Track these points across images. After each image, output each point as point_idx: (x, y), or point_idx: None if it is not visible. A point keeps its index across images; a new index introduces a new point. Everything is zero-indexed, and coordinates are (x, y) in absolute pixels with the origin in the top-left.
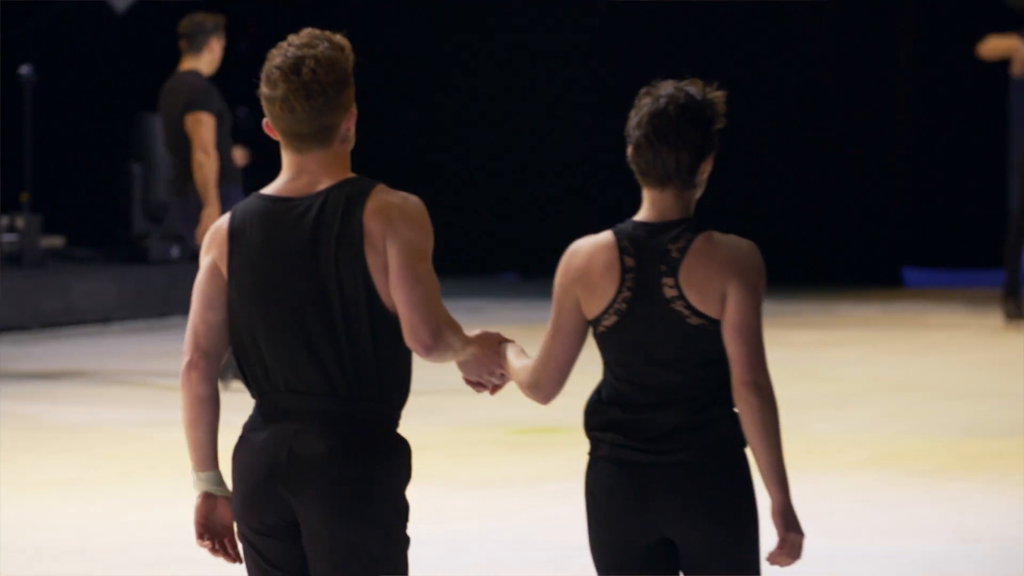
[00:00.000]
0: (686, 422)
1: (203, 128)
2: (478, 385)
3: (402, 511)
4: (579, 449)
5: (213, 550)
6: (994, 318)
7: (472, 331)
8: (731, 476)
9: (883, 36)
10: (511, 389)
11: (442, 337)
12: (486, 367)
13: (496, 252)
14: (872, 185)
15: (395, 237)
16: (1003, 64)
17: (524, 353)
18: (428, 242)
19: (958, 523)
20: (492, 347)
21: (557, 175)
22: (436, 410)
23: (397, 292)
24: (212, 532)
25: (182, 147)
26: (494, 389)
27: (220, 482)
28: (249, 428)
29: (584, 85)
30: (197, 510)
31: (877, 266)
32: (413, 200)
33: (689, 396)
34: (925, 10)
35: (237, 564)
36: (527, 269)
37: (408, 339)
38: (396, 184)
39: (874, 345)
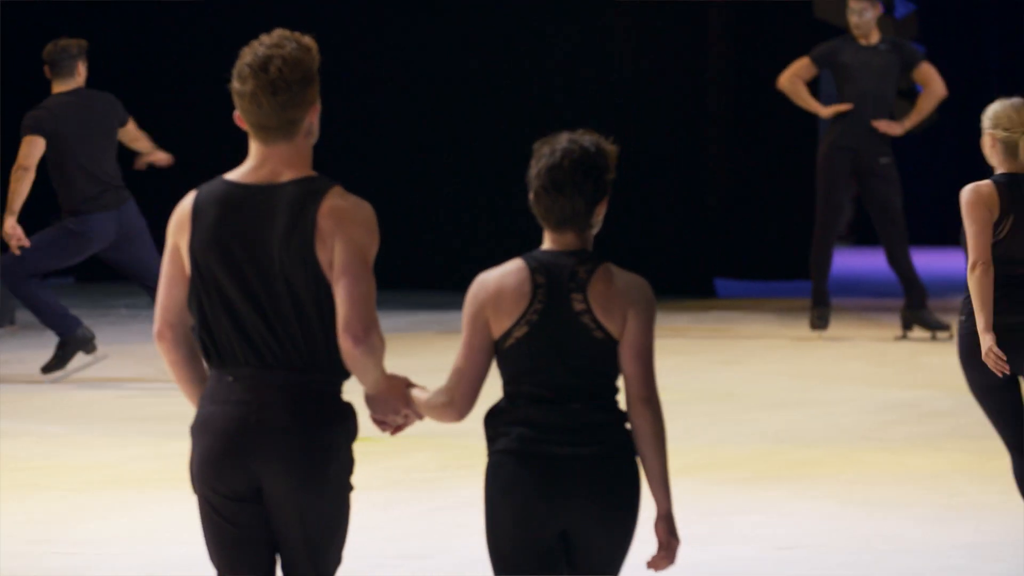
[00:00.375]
0: (597, 419)
1: (24, 147)
2: (382, 424)
3: (350, 466)
4: (398, 460)
5: None
6: (804, 328)
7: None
8: (635, 474)
9: (695, 49)
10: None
11: (371, 335)
12: (391, 406)
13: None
14: (684, 197)
15: (343, 236)
16: (811, 83)
17: (427, 390)
18: (373, 246)
19: (772, 531)
20: (399, 388)
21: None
22: None
23: (338, 286)
24: None
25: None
26: (396, 429)
27: None
28: (210, 400)
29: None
30: None
31: (689, 277)
32: (365, 205)
33: (599, 396)
34: (735, 24)
35: None
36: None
37: (340, 331)
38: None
39: (688, 355)
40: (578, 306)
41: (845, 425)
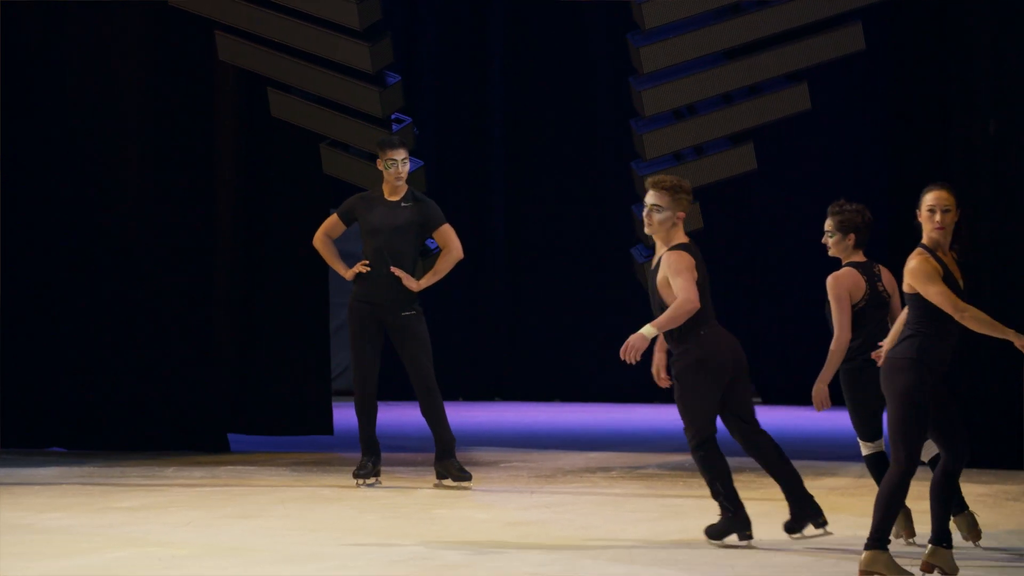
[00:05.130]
0: None
1: None
2: None
3: None
4: None
5: None
6: (320, 481)
7: None
8: None
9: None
10: None
11: None
12: None
13: None
14: (196, 352)
15: None
16: None
17: None
18: None
19: None
20: None
21: None
22: None
23: None
24: None
25: None
26: None
27: None
28: None
29: None
30: None
31: (203, 432)
32: None
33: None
34: None
35: None
36: None
37: None
38: None
39: (204, 508)
40: None
41: None
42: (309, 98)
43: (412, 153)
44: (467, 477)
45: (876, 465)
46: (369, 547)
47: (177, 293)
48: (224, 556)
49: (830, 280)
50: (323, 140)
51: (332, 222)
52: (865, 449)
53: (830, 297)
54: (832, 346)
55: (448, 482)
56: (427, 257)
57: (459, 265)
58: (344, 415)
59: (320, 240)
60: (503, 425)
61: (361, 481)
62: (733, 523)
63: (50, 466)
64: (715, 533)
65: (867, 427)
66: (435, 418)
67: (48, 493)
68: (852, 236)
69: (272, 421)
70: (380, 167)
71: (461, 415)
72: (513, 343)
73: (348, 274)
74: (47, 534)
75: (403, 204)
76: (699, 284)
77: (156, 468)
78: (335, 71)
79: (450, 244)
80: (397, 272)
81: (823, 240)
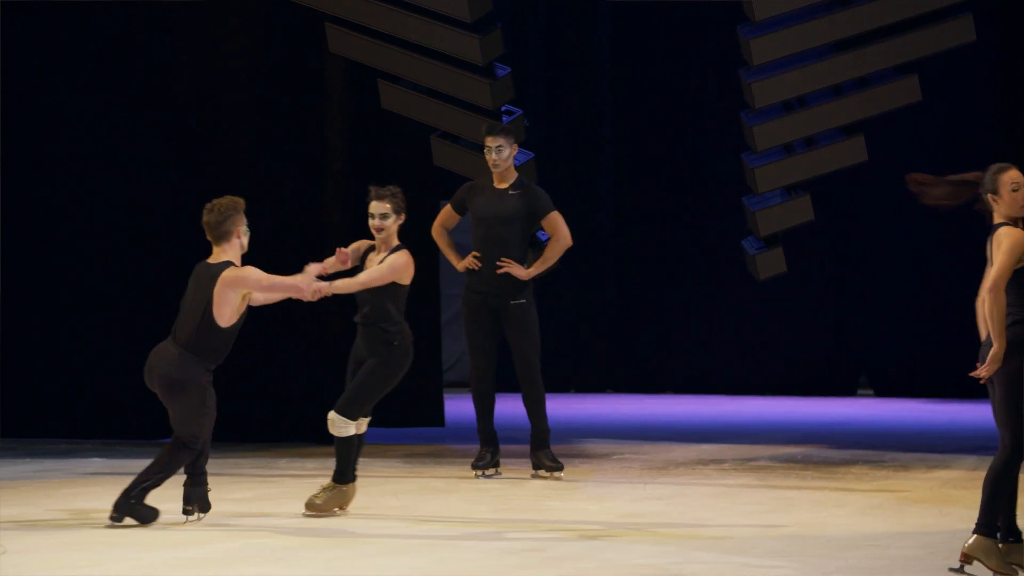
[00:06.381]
0: None
1: None
2: None
3: None
4: None
5: None
6: (432, 473)
7: None
8: None
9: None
10: None
11: None
12: None
13: None
14: (308, 346)
15: None
16: None
17: None
18: None
19: None
20: None
21: None
22: None
23: None
24: None
25: None
26: None
27: None
28: None
29: None
30: None
31: (315, 424)
32: None
33: None
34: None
35: None
36: None
37: None
38: None
39: None
40: None
41: (473, 570)
42: (419, 90)
43: (523, 145)
44: (559, 467)
45: None
46: (480, 539)
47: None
48: (335, 547)
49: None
50: (433, 132)
51: (447, 213)
52: None
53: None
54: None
55: (542, 472)
56: (537, 248)
57: (570, 256)
58: (455, 407)
59: (437, 231)
60: (615, 417)
61: (480, 472)
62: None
63: None
64: None
65: None
66: (534, 408)
67: (165, 483)
68: None
69: (384, 412)
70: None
71: (572, 407)
72: (625, 335)
73: (459, 266)
74: (159, 524)
75: (511, 192)
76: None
77: (269, 459)
78: (445, 63)
79: (559, 231)
80: (504, 261)
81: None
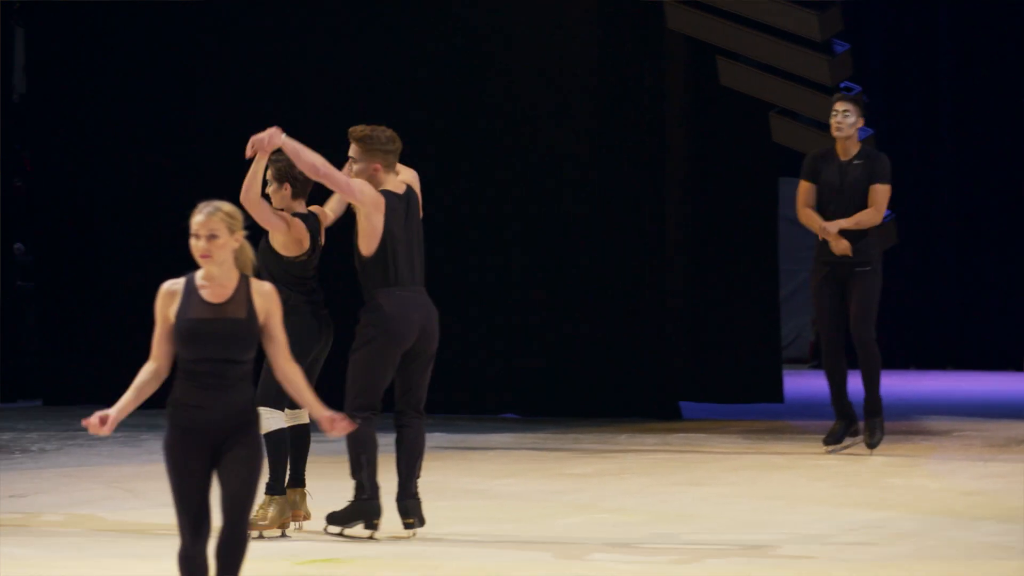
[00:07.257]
0: None
1: None
2: None
3: None
4: None
5: None
6: (772, 449)
7: None
8: None
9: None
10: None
11: None
12: None
13: None
14: (649, 322)
15: None
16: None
17: None
18: None
19: None
20: None
21: None
22: None
23: None
24: None
25: None
26: None
27: None
28: None
29: None
30: None
31: (656, 400)
32: None
33: None
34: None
35: None
36: None
37: None
38: None
39: (656, 475)
40: None
41: (813, 548)
42: (758, 66)
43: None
44: (873, 444)
45: None
46: (820, 516)
47: (629, 258)
48: (673, 523)
49: None
50: (772, 108)
51: (806, 190)
52: None
53: None
54: None
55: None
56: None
57: (909, 233)
58: (794, 383)
59: (806, 213)
60: (955, 394)
61: (831, 447)
62: None
63: (504, 432)
64: None
65: None
66: (867, 379)
67: (502, 459)
68: None
69: (723, 389)
70: None
71: (913, 384)
72: (967, 311)
73: (822, 232)
74: (499, 499)
75: (855, 163)
76: None
77: (609, 435)
78: (784, 39)
79: (876, 203)
80: (823, 225)
81: None
